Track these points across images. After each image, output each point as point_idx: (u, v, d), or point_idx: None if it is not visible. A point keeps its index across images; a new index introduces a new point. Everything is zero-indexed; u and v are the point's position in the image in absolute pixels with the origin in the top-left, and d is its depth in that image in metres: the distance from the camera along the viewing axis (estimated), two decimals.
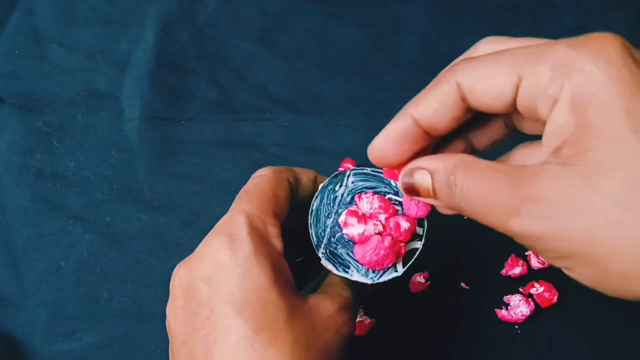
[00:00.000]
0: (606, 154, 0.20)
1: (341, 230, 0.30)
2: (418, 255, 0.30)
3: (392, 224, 0.30)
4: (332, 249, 0.30)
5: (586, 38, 0.21)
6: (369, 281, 0.30)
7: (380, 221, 0.30)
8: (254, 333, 0.25)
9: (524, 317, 0.41)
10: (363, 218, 0.30)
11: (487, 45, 0.25)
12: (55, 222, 0.46)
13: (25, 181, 0.48)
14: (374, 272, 0.30)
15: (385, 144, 0.27)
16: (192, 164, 0.49)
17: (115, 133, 0.50)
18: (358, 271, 0.30)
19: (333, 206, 0.31)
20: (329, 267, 0.30)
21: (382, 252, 0.29)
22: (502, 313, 0.42)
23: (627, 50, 0.21)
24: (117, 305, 0.43)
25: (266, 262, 0.27)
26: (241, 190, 0.30)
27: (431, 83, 0.25)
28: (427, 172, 0.25)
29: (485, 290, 0.43)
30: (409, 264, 0.30)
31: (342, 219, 0.30)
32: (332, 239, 0.30)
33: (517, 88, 0.23)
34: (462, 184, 0.23)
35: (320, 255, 0.30)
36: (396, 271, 0.30)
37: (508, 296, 0.42)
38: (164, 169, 0.49)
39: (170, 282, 0.28)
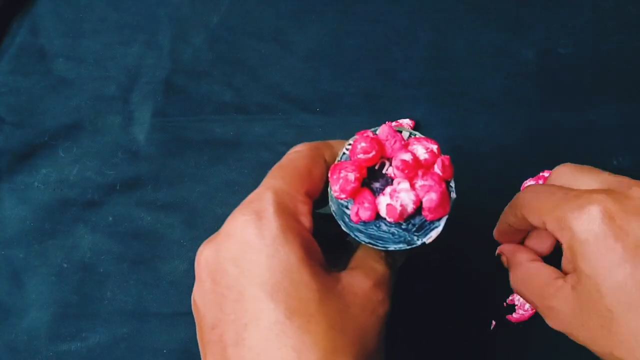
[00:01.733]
0: (592, 288, 0.28)
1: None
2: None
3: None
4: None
5: (580, 203, 0.29)
6: (418, 242, 0.27)
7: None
8: (285, 318, 0.24)
9: (533, 311, 0.40)
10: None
11: (563, 170, 0.34)
12: (56, 223, 0.47)
13: (28, 193, 0.48)
14: (409, 235, 0.28)
15: (500, 237, 0.39)
16: (198, 165, 0.49)
17: (124, 136, 0.50)
18: (393, 240, 0.28)
19: None
20: (362, 239, 0.28)
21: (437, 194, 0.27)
22: (514, 316, 0.40)
23: (608, 216, 0.28)
24: (121, 305, 0.43)
25: (295, 241, 0.26)
26: (275, 165, 0.29)
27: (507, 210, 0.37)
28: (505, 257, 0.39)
29: (486, 291, 0.42)
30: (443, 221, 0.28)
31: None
32: None
33: (544, 224, 0.32)
34: (512, 274, 0.37)
35: (346, 229, 0.28)
36: (437, 227, 0.28)
37: (511, 297, 0.41)
38: (169, 169, 0.48)
39: (196, 263, 0.27)
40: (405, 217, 0.27)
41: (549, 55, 0.52)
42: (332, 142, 0.31)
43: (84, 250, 0.45)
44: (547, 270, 0.33)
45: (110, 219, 0.47)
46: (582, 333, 0.29)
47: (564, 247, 0.30)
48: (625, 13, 0.54)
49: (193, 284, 0.29)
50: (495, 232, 0.39)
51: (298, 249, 0.25)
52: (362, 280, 0.27)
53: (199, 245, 0.28)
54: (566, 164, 0.35)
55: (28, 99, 0.52)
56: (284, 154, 0.47)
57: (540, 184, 0.37)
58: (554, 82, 0.50)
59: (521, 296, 0.35)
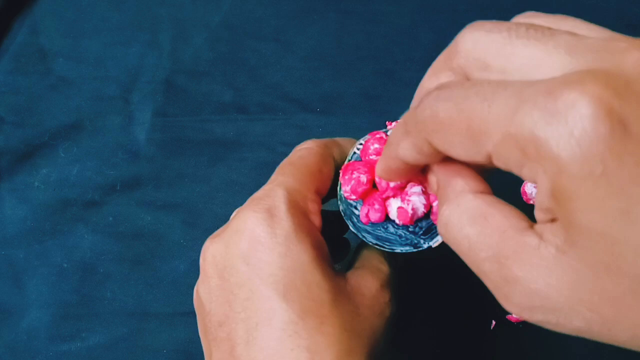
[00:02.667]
0: (602, 249, 0.17)
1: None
2: None
3: None
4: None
5: (557, 104, 0.16)
6: (425, 246, 0.27)
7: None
8: (299, 318, 0.24)
9: None
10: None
11: (467, 46, 0.21)
12: (57, 223, 0.47)
13: (28, 193, 0.48)
14: (416, 238, 0.27)
15: (387, 176, 0.25)
16: (198, 164, 0.49)
17: (124, 136, 0.50)
18: (400, 243, 0.27)
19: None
20: (369, 240, 0.27)
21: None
22: (514, 316, 0.40)
23: (611, 117, 0.16)
24: (121, 305, 0.43)
25: (307, 240, 0.25)
26: (283, 162, 0.29)
27: (405, 119, 0.21)
28: (434, 179, 0.23)
29: (486, 291, 0.42)
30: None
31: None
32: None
33: (490, 158, 0.19)
34: (448, 220, 0.21)
35: (354, 230, 0.28)
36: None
37: None
38: (169, 169, 0.48)
39: (201, 258, 0.27)
40: (415, 220, 0.27)
41: None
42: (340, 139, 0.31)
43: (84, 250, 0.45)
44: (507, 212, 0.20)
45: (111, 219, 0.47)
46: (579, 315, 0.18)
47: (539, 189, 0.18)
48: (626, 13, 0.54)
49: (193, 284, 0.28)
50: (378, 169, 0.26)
51: (310, 248, 0.25)
52: (369, 281, 0.27)
53: (199, 245, 0.27)
54: (482, 23, 0.21)
55: (28, 98, 0.52)
56: (284, 154, 0.47)
57: (460, 81, 0.20)
58: None
59: (457, 250, 0.21)
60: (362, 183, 0.27)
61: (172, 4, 0.57)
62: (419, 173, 0.25)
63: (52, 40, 0.56)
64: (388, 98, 0.51)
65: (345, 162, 0.29)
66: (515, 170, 0.18)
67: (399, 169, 0.24)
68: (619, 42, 0.18)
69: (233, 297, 0.25)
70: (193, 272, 0.44)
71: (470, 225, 0.20)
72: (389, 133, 0.29)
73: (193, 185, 0.48)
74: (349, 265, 0.29)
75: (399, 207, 0.27)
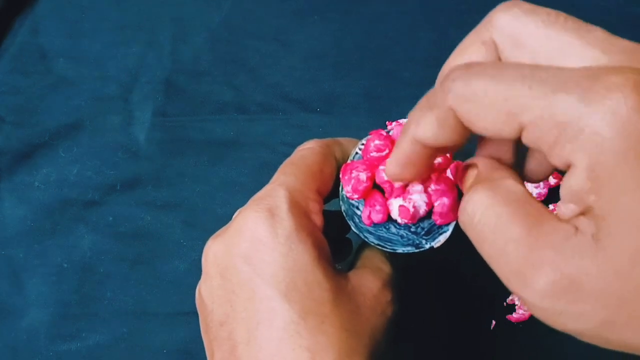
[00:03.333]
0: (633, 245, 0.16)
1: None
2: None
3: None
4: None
5: (600, 86, 0.17)
6: (427, 246, 0.27)
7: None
8: (300, 318, 0.24)
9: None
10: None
11: (503, 21, 0.21)
12: (56, 223, 0.47)
13: (28, 193, 0.48)
14: (417, 239, 0.27)
15: (400, 169, 0.23)
16: (198, 164, 0.48)
17: (124, 136, 0.50)
18: (402, 243, 0.27)
19: None
20: (371, 240, 0.27)
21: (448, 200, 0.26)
22: (514, 316, 0.40)
23: None
24: (121, 305, 0.43)
25: (308, 239, 0.25)
26: (285, 162, 0.29)
27: (428, 96, 0.21)
28: (475, 172, 0.22)
29: (486, 291, 0.42)
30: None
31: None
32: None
33: (521, 132, 0.19)
34: (477, 206, 0.20)
35: (355, 230, 0.28)
36: (446, 231, 0.27)
37: (511, 297, 0.41)
38: (169, 169, 0.48)
39: (203, 258, 0.27)
40: (417, 219, 0.27)
41: None
42: (342, 139, 0.31)
43: (84, 250, 0.45)
44: (541, 204, 0.19)
45: (110, 218, 0.47)
46: (606, 307, 0.17)
47: (574, 171, 0.17)
48: (627, 13, 0.53)
49: (193, 284, 0.28)
50: (390, 165, 0.24)
51: (311, 248, 0.25)
52: (370, 281, 0.27)
53: (199, 245, 0.27)
54: (519, 2, 0.21)
55: (28, 98, 0.52)
56: (284, 153, 0.47)
57: (491, 62, 0.21)
58: None
59: (477, 231, 0.20)
60: (362, 181, 0.27)
61: (172, 4, 0.57)
62: (432, 167, 0.25)
63: (52, 40, 0.56)
64: (388, 98, 0.51)
65: (347, 162, 0.29)
66: (545, 148, 0.18)
67: (414, 156, 0.22)
68: None
69: (234, 297, 0.25)
70: (193, 272, 0.44)
71: (506, 205, 0.19)
72: (390, 133, 0.29)
73: (193, 185, 0.48)
74: (351, 265, 0.29)
75: (400, 205, 0.27)
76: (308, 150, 0.29)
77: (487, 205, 0.20)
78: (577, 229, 0.18)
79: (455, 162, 0.27)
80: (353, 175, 0.27)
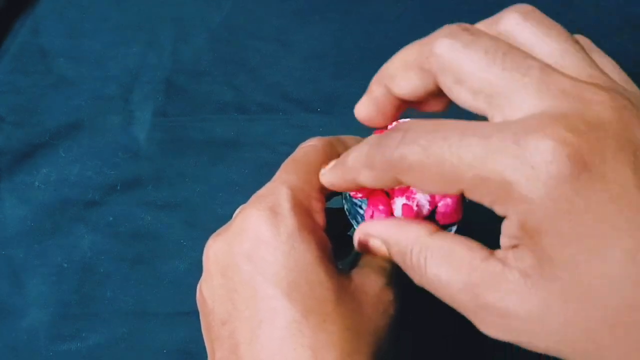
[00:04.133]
0: (573, 283, 0.18)
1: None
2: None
3: None
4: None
5: (528, 149, 0.17)
6: None
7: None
8: (302, 317, 0.24)
9: None
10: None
11: (443, 54, 0.21)
12: (57, 223, 0.46)
13: (28, 193, 0.48)
14: None
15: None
16: (198, 164, 0.48)
17: (124, 136, 0.50)
18: None
19: None
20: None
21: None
22: None
23: (572, 160, 0.17)
24: (121, 305, 0.43)
25: (311, 238, 0.25)
26: (287, 160, 0.29)
27: (366, 153, 0.23)
28: (380, 242, 0.25)
29: None
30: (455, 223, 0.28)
31: None
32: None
33: (462, 193, 0.20)
34: (419, 266, 0.22)
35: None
36: (449, 231, 0.27)
37: None
38: (170, 169, 0.48)
39: (204, 257, 0.27)
40: (420, 218, 0.27)
41: None
42: (345, 137, 0.31)
43: (84, 250, 0.45)
44: (467, 244, 0.21)
45: (111, 218, 0.47)
46: (549, 338, 0.19)
47: (509, 221, 0.19)
48: (627, 13, 0.53)
49: (194, 284, 0.28)
50: (326, 177, 0.27)
51: (314, 246, 0.25)
52: (373, 280, 0.27)
53: (199, 245, 0.27)
54: (460, 30, 0.21)
55: (29, 98, 0.52)
56: (285, 154, 0.47)
57: (424, 122, 0.21)
58: None
59: (432, 290, 0.22)
60: None
61: (172, 4, 0.57)
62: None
63: (52, 40, 0.56)
64: None
65: None
66: (487, 205, 0.19)
67: (352, 186, 0.25)
68: (588, 87, 0.19)
69: (236, 296, 0.25)
70: (193, 272, 0.44)
71: (437, 265, 0.21)
72: None
73: (193, 185, 0.48)
74: (353, 264, 0.29)
75: (404, 204, 0.27)
76: (310, 147, 0.29)
77: (426, 265, 0.22)
78: (504, 264, 0.19)
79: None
80: None
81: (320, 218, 0.27)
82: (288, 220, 0.25)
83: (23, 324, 0.43)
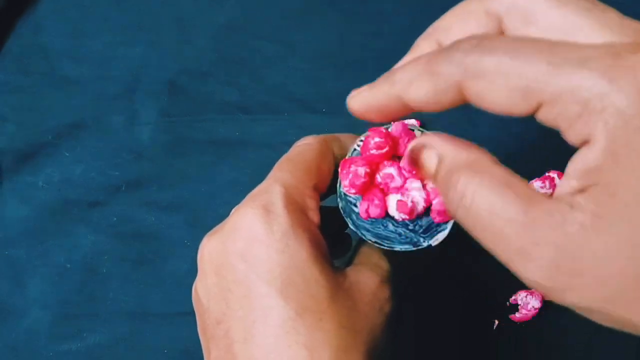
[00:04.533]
0: None
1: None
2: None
3: None
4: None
5: (624, 63, 0.17)
6: (425, 244, 0.27)
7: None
8: (297, 315, 0.23)
9: (536, 311, 0.39)
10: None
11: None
12: (59, 223, 0.46)
13: (31, 193, 0.48)
14: (415, 237, 0.27)
15: (364, 111, 0.24)
16: (201, 165, 0.48)
17: (128, 137, 0.50)
18: (400, 241, 0.27)
19: None
20: (368, 237, 0.27)
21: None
22: (517, 316, 0.40)
23: None
24: (122, 305, 0.43)
25: (304, 236, 0.25)
26: (282, 158, 0.28)
27: (429, 59, 0.20)
28: (436, 154, 0.21)
29: (488, 291, 0.42)
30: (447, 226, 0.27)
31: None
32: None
33: (535, 110, 0.18)
34: (466, 191, 0.19)
35: (353, 227, 0.28)
36: (444, 229, 0.27)
37: (513, 297, 0.41)
38: (173, 169, 0.48)
39: (199, 256, 0.27)
40: (415, 214, 0.27)
41: None
42: (341, 135, 0.31)
43: (86, 250, 0.45)
44: (526, 183, 0.19)
45: (114, 219, 0.47)
46: (608, 284, 0.17)
47: (590, 146, 0.17)
48: (627, 13, 0.53)
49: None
50: (361, 102, 0.24)
51: (308, 244, 0.25)
52: (368, 278, 0.27)
53: None
54: None
55: (31, 98, 0.52)
56: None
57: (501, 36, 0.20)
58: None
59: (472, 222, 0.19)
60: (360, 176, 0.27)
61: (175, 4, 0.57)
62: (395, 118, 0.24)
63: (55, 40, 0.56)
64: None
65: (345, 158, 0.29)
66: (564, 124, 0.18)
67: (385, 108, 0.22)
68: None
69: (230, 295, 0.25)
70: (195, 272, 0.43)
71: (495, 187, 0.19)
72: (390, 129, 0.29)
73: (196, 186, 0.47)
74: (349, 262, 0.29)
75: (399, 200, 0.26)
76: (305, 145, 0.29)
77: (476, 190, 0.19)
78: (572, 206, 0.17)
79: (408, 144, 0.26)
80: (351, 169, 0.27)
81: (314, 216, 0.27)
82: (282, 218, 0.25)
83: (24, 323, 0.43)
